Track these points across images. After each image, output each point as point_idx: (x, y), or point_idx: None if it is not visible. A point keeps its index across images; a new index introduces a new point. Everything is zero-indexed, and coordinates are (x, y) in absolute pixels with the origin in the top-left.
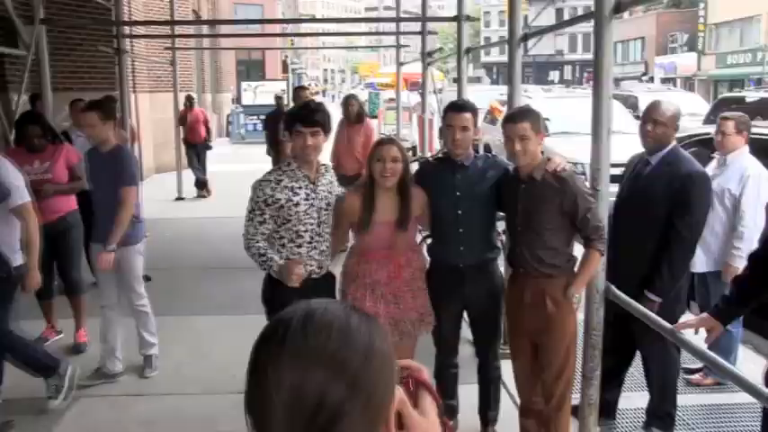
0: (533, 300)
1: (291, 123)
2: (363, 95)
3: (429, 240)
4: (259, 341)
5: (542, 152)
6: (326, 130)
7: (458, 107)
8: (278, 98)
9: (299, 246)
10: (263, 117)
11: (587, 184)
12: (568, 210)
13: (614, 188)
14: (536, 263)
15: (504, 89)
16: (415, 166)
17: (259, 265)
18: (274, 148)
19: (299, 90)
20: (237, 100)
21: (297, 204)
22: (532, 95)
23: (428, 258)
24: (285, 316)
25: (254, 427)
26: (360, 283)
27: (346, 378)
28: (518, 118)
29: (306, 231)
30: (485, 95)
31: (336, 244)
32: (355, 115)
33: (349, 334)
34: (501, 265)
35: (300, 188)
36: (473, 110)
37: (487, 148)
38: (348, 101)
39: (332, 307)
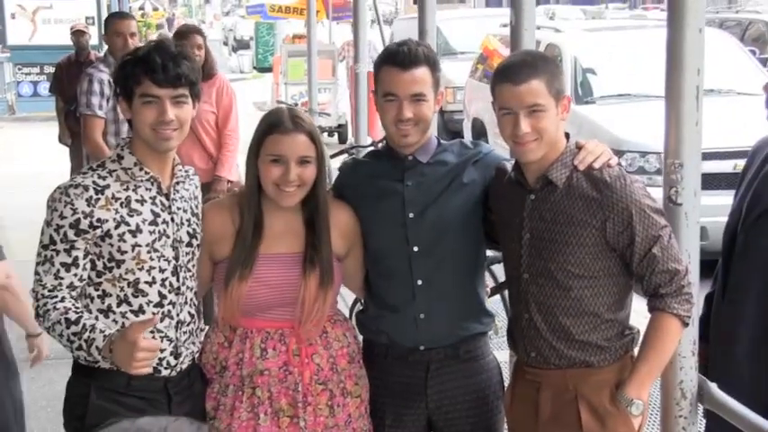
0: (557, 410)
1: (131, 79)
2: (246, 29)
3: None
4: None
5: (567, 135)
6: (196, 96)
7: (401, 58)
8: (79, 34)
9: (138, 312)
10: (51, 70)
11: (657, 193)
12: (616, 240)
13: (717, 199)
14: (558, 340)
15: (507, 14)
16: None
17: (66, 343)
18: (72, 130)
19: (115, 20)
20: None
21: (136, 232)
22: (564, 26)
23: (359, 337)
24: None
25: None
26: (228, 380)
27: None
28: (521, 73)
29: (152, 284)
30: (474, 28)
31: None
32: (199, 68)
33: None
34: (497, 346)
35: (143, 202)
36: (431, 62)
37: (478, 128)
38: (184, 38)
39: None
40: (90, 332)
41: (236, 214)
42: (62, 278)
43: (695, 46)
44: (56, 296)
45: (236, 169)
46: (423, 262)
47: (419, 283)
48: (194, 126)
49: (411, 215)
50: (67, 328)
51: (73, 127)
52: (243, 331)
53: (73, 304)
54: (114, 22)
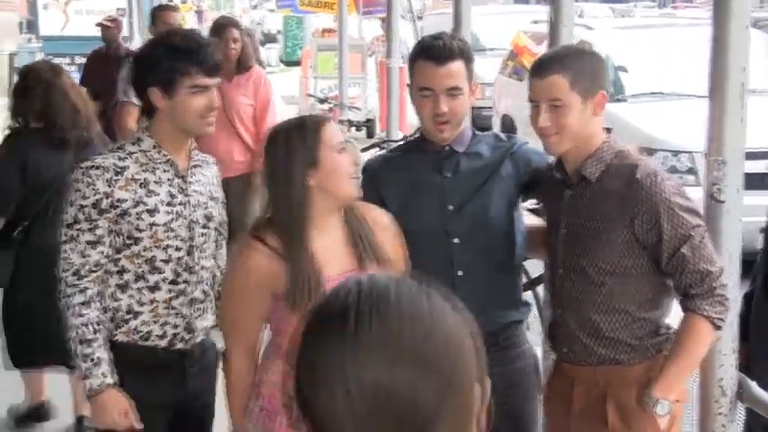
0: (587, 406)
1: (178, 67)
2: (274, 23)
3: None
4: (312, 331)
5: (609, 130)
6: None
7: (436, 53)
8: (103, 28)
9: (154, 288)
10: (82, 60)
11: (695, 192)
12: (645, 238)
13: (747, 199)
14: (588, 337)
15: (539, 11)
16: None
17: (72, 346)
18: (103, 119)
19: (163, 12)
20: (31, 26)
21: (153, 212)
22: (595, 24)
23: None
24: (341, 298)
25: None
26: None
27: (439, 375)
28: (544, 68)
29: (167, 262)
30: (505, 24)
31: (242, 364)
32: (235, 60)
33: (435, 320)
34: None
35: (161, 183)
36: (465, 55)
37: (508, 124)
38: (222, 30)
39: (402, 283)
40: (95, 359)
41: (276, 242)
42: (88, 256)
43: (740, 43)
44: (84, 282)
45: None
46: (463, 253)
47: (459, 273)
48: (232, 119)
49: (451, 207)
50: (82, 328)
51: (103, 116)
52: None
53: (97, 316)
54: (163, 15)
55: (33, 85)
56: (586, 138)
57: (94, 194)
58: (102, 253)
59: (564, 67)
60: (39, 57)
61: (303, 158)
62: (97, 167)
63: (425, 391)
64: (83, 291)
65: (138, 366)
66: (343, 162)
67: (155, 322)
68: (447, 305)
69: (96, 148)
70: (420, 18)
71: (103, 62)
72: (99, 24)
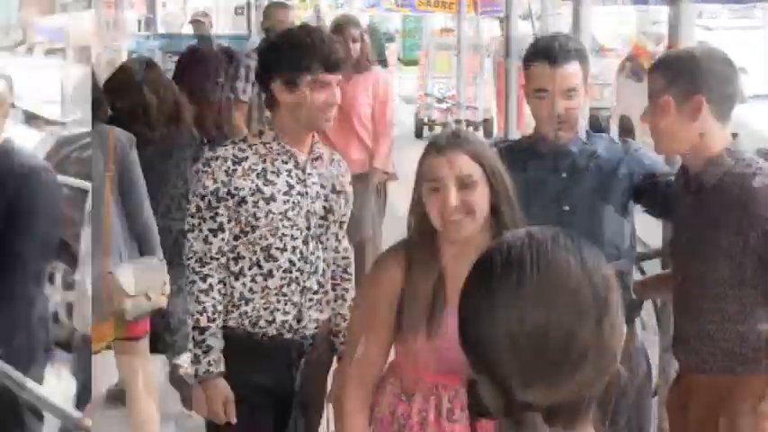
0: (701, 414)
1: (300, 62)
2: (393, 23)
3: None
4: (484, 275)
5: (735, 135)
6: None
7: (553, 54)
8: (195, 24)
9: (267, 276)
10: None
11: None
12: (756, 248)
13: None
14: (704, 346)
15: (659, 11)
16: None
17: (187, 330)
18: (201, 120)
19: (275, 8)
20: (148, 23)
21: (270, 200)
22: (714, 24)
23: None
24: (508, 247)
25: (481, 369)
26: None
27: (591, 319)
28: (651, 66)
29: (282, 250)
30: (623, 25)
31: (369, 365)
32: (355, 59)
33: (589, 271)
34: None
35: (279, 174)
36: (581, 56)
37: (626, 125)
38: (342, 30)
39: (561, 238)
40: (206, 347)
41: (406, 259)
42: (211, 243)
43: None
44: (207, 269)
45: (391, 162)
46: None
47: None
48: (350, 118)
49: (566, 208)
50: (200, 315)
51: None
52: (428, 385)
53: (214, 305)
54: (277, 12)
55: (116, 79)
56: (689, 141)
57: (213, 184)
58: (224, 240)
59: (663, 67)
60: (158, 54)
61: (414, 189)
62: (217, 158)
63: (579, 332)
64: (204, 278)
65: (245, 352)
66: (432, 204)
67: (265, 309)
68: (600, 258)
69: (174, 142)
70: (538, 18)
71: (197, 59)
72: (191, 21)
